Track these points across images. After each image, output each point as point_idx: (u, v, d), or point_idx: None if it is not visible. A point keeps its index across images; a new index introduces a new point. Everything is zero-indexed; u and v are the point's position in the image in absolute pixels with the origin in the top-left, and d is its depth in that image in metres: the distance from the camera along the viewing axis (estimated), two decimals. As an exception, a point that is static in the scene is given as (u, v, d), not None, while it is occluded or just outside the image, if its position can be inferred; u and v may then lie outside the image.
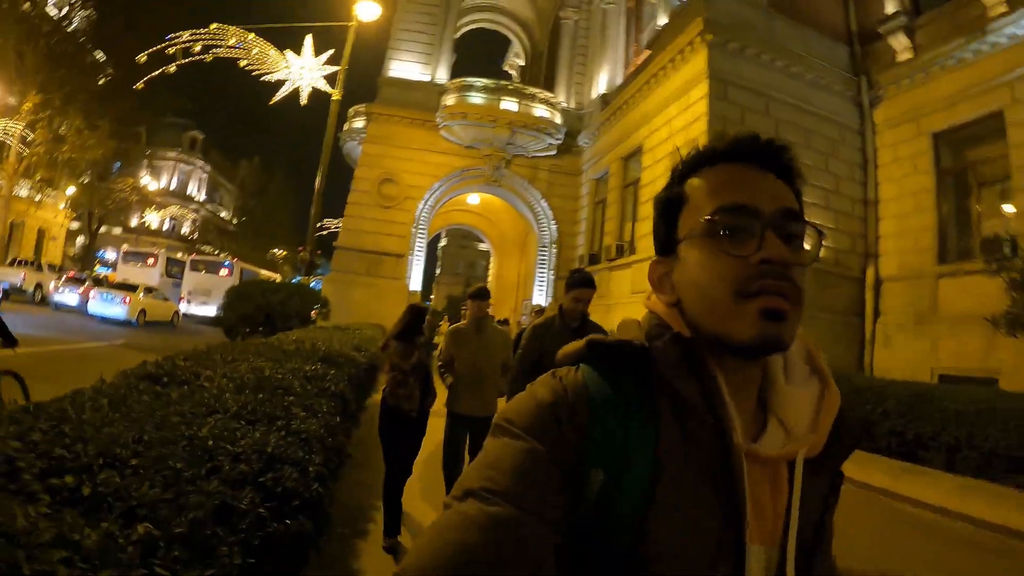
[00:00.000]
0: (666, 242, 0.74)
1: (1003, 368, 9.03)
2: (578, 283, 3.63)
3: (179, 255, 27.83)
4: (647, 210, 13.26)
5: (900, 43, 12.50)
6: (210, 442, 1.65)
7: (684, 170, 0.74)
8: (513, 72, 25.62)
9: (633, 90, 15.02)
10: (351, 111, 22.10)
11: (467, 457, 4.13)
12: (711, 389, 0.65)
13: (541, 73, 22.29)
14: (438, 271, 55.87)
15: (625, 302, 13.73)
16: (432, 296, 51.02)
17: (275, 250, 49.94)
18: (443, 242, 43.18)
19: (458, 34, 22.82)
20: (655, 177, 13.31)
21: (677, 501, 0.61)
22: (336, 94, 14.37)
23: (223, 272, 22.98)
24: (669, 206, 0.74)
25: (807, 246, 0.69)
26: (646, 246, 13.01)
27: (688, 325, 0.69)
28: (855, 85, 13.08)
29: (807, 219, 0.70)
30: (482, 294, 4.34)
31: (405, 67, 19.23)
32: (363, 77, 21.01)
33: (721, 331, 0.65)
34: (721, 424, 0.64)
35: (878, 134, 12.85)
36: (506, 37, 25.88)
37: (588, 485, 0.62)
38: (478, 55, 26.36)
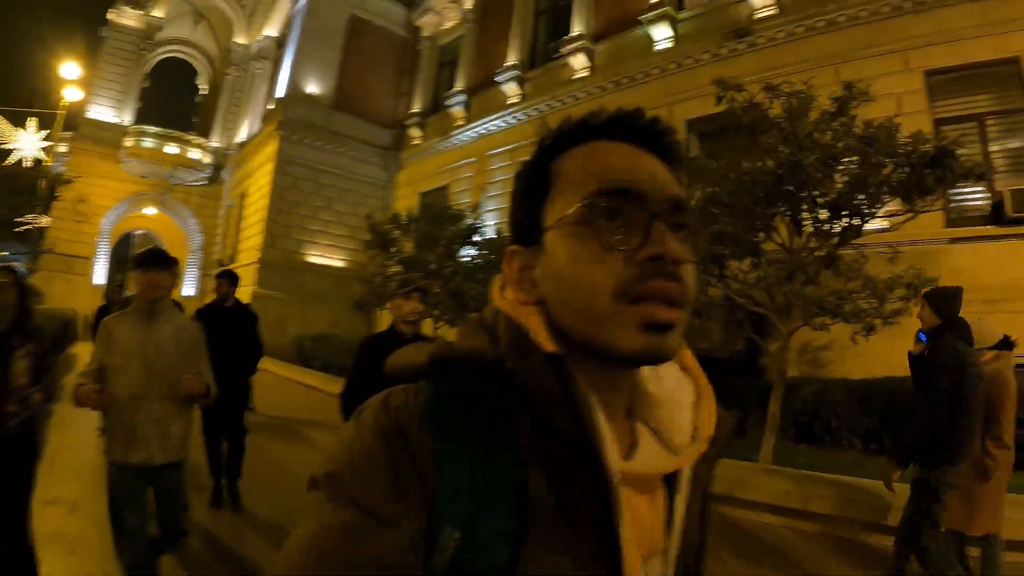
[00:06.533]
0: (528, 229, 0.58)
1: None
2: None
3: None
4: (246, 234, 20.46)
5: (415, 133, 19.01)
6: None
7: (552, 145, 0.59)
8: (204, 88, 31.06)
9: (249, 149, 22.04)
10: (57, 136, 26.73)
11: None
12: (583, 413, 0.51)
13: (218, 103, 28.03)
14: (136, 258, 51.76)
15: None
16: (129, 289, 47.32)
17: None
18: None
19: (152, 64, 28.02)
20: (250, 215, 20.37)
21: (549, 550, 0.48)
22: (49, 161, 20.37)
23: None
24: (532, 186, 0.59)
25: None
26: (244, 258, 19.11)
27: (552, 330, 0.55)
28: (386, 158, 19.62)
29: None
30: (158, 259, 2.62)
31: (101, 110, 24.26)
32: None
33: (595, 338, 0.52)
34: (592, 448, 0.50)
35: (397, 189, 19.52)
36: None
37: (439, 550, 0.47)
38: (175, 76, 31.40)
